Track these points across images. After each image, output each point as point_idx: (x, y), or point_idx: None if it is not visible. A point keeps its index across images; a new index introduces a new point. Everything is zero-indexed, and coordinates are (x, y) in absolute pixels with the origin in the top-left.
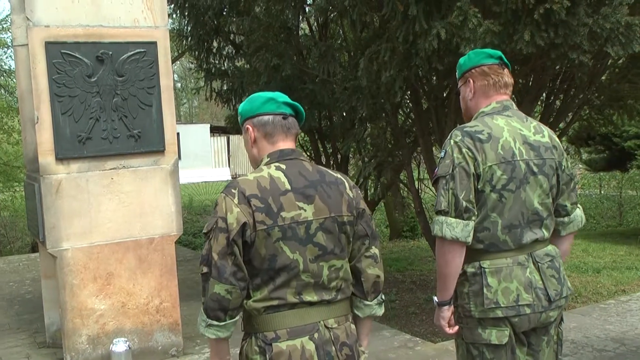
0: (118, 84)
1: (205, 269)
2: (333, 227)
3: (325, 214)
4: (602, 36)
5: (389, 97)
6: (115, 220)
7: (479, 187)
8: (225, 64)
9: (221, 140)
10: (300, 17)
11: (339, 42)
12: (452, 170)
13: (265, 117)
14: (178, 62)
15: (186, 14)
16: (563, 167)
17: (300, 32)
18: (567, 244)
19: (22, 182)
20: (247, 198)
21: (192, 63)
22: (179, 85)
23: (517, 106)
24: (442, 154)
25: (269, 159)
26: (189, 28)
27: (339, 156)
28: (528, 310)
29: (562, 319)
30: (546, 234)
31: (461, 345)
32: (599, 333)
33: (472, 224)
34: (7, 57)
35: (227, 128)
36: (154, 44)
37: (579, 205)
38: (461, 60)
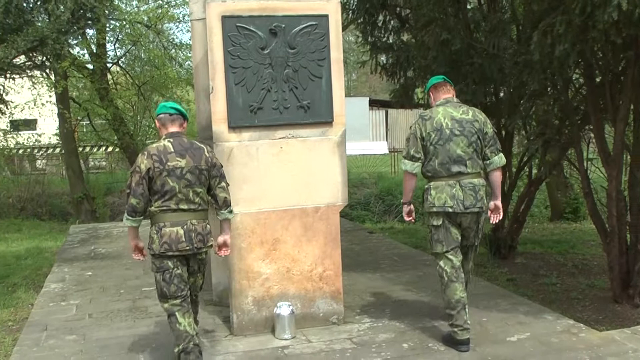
0: (289, 56)
1: (128, 191)
2: (195, 171)
3: (191, 165)
4: None
5: (561, 72)
6: (282, 188)
7: (424, 144)
8: (391, 38)
9: (380, 113)
10: None
11: (508, 15)
12: (410, 135)
13: (161, 115)
14: None
15: None
16: (484, 132)
17: (468, 5)
18: (493, 176)
19: None
20: (151, 155)
21: (356, 36)
22: None
23: None
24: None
25: (165, 136)
26: (355, 1)
27: (504, 133)
28: (450, 210)
29: (478, 221)
30: (469, 169)
31: (426, 227)
32: None
33: (417, 164)
34: (178, 31)
35: (387, 102)
36: (326, 17)
37: (497, 154)
38: (427, 83)
